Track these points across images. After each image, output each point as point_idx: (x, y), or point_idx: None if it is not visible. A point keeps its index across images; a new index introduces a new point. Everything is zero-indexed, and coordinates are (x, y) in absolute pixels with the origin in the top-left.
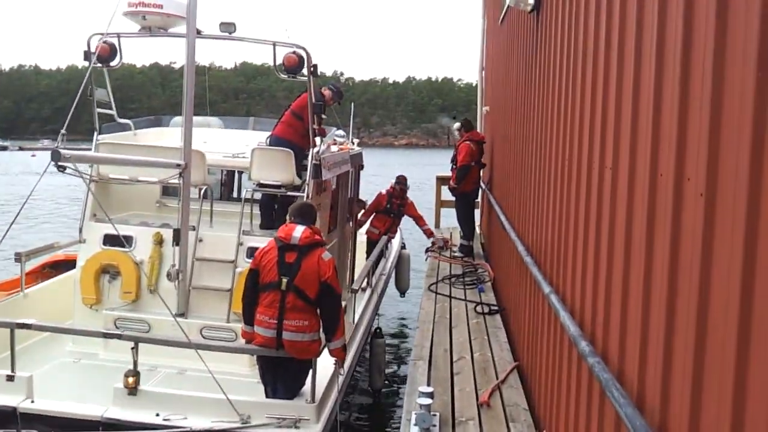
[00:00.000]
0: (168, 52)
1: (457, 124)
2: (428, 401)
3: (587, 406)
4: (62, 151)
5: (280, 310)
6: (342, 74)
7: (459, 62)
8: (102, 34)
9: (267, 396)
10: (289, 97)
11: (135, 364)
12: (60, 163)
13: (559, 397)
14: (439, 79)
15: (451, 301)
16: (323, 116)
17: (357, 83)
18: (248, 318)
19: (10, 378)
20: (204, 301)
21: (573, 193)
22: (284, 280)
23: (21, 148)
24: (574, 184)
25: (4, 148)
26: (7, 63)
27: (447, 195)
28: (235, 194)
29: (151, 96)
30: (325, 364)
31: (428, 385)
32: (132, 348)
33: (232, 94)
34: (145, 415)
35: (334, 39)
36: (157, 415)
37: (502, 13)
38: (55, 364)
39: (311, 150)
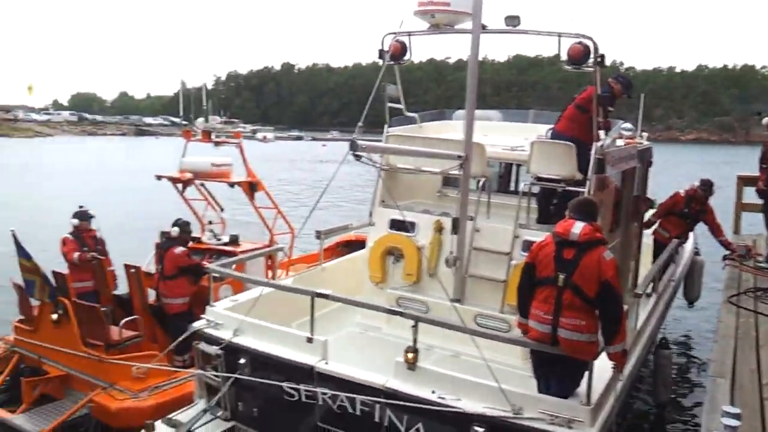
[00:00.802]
0: (443, 48)
1: (766, 119)
2: (735, 423)
3: None
4: (359, 142)
5: (556, 306)
6: (622, 64)
7: (763, 47)
8: (395, 33)
9: (539, 391)
10: (563, 89)
11: (414, 341)
12: (356, 153)
13: None
14: (737, 67)
15: (757, 317)
16: (610, 109)
17: (638, 73)
18: (523, 310)
19: (309, 340)
20: (479, 289)
21: None
22: (561, 277)
23: (314, 139)
24: None
25: (299, 138)
26: (303, 62)
27: (750, 197)
28: (512, 187)
29: (427, 91)
30: (602, 367)
31: (731, 404)
32: (412, 326)
33: (503, 87)
34: (421, 391)
35: (613, 25)
36: (433, 392)
37: None
38: (345, 333)
39: (594, 144)
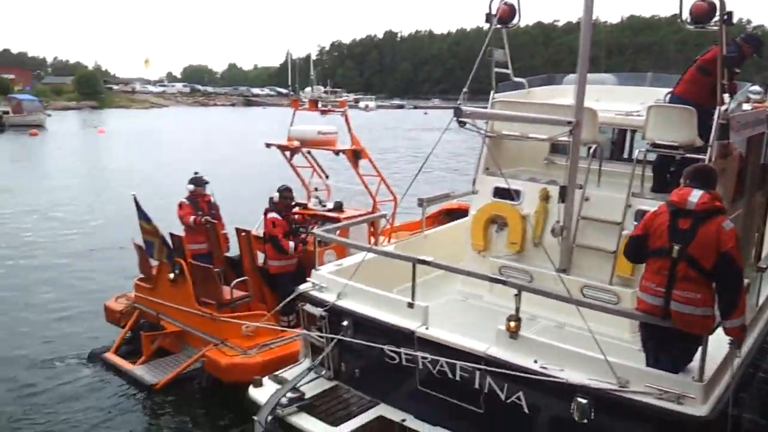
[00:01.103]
0: (551, 10)
1: None
2: None
3: None
4: (463, 108)
5: (668, 279)
6: (749, 22)
7: None
8: None
9: (647, 364)
10: (682, 51)
11: (517, 310)
12: (461, 119)
13: None
14: None
15: None
16: (737, 71)
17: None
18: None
19: (410, 305)
20: (586, 260)
21: None
22: (676, 248)
23: (415, 107)
24: None
25: (401, 107)
26: (406, 30)
27: None
28: (625, 154)
29: (533, 55)
30: (718, 343)
31: None
32: (515, 295)
33: (616, 50)
34: (523, 359)
35: None
36: (535, 361)
37: None
38: (446, 300)
39: (718, 108)
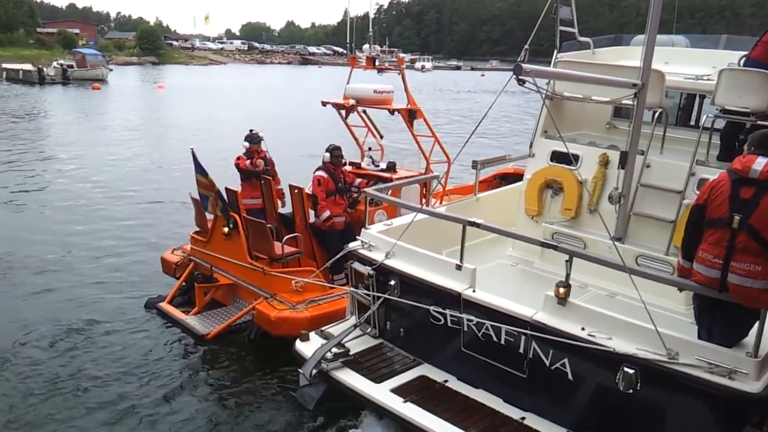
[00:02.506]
0: None
1: None
2: None
3: None
4: (524, 66)
5: (727, 250)
6: None
7: None
8: None
9: (699, 337)
10: (756, 15)
11: (567, 276)
12: (521, 77)
13: None
14: None
15: None
16: None
17: None
18: (687, 253)
19: (458, 267)
20: (644, 228)
21: None
22: (736, 218)
23: (472, 68)
24: None
25: (458, 68)
26: None
27: None
28: (692, 121)
29: (598, 17)
30: None
31: None
32: (566, 261)
33: (687, 13)
34: (570, 326)
35: None
36: (583, 329)
37: None
38: (495, 264)
39: None
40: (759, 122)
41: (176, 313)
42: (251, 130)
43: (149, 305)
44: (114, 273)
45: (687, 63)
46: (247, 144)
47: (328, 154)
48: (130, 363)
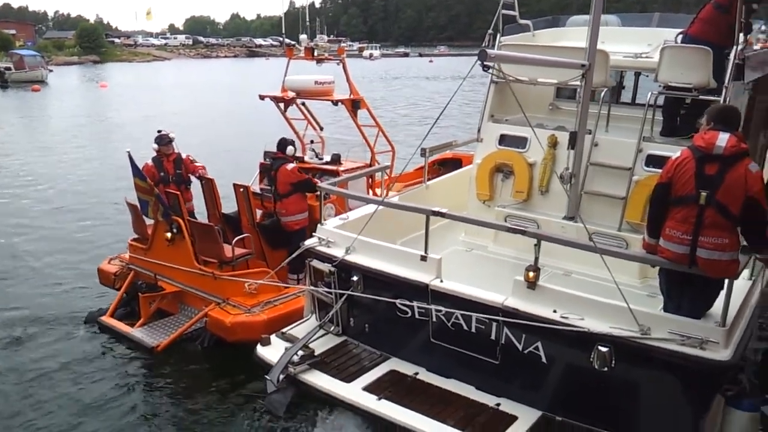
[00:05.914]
0: None
1: None
2: None
3: None
4: (489, 51)
5: (695, 226)
6: None
7: None
8: None
9: (666, 311)
10: None
11: (536, 260)
12: (485, 62)
13: None
14: None
15: None
16: (754, 8)
17: None
18: (652, 231)
19: (424, 258)
20: (595, 206)
21: None
22: (703, 194)
23: (420, 55)
24: None
25: (406, 55)
26: None
27: None
28: (626, 99)
29: None
30: (738, 287)
31: None
32: (535, 245)
33: None
34: (542, 310)
35: None
36: (555, 311)
37: None
38: (451, 251)
39: (734, 47)
40: (702, 97)
41: (120, 326)
42: (159, 131)
43: (90, 320)
44: (49, 288)
45: (623, 42)
46: (156, 146)
47: (292, 148)
48: (73, 387)
